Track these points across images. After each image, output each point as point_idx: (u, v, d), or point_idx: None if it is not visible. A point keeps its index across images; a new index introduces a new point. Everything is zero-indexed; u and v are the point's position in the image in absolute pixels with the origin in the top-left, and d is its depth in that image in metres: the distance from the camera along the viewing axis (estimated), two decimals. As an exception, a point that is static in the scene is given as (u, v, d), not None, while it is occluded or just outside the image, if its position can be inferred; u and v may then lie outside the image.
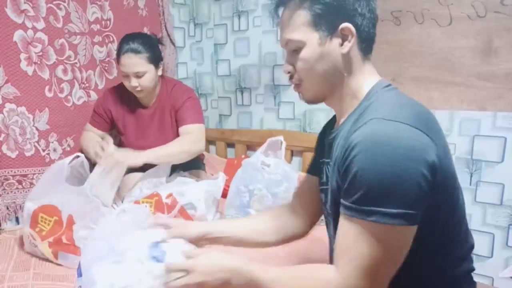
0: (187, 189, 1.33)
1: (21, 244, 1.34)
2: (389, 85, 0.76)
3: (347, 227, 0.66)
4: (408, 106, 0.69)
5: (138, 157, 1.43)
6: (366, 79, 0.76)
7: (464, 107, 1.59)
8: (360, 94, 0.75)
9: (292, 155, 2.09)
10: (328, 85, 0.76)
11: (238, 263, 0.74)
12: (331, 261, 0.83)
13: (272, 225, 0.96)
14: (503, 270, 1.39)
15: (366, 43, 0.75)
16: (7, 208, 1.55)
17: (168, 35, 2.19)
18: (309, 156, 2.02)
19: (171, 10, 2.25)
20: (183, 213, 1.29)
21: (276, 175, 1.41)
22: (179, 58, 2.35)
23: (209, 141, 2.37)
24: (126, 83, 1.54)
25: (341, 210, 0.67)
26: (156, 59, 1.56)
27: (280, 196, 1.37)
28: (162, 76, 1.67)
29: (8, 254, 1.31)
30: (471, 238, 0.80)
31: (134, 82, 1.50)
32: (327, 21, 0.72)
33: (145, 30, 2.04)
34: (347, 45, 0.73)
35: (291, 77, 0.79)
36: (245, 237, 0.95)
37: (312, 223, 0.99)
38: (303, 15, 0.73)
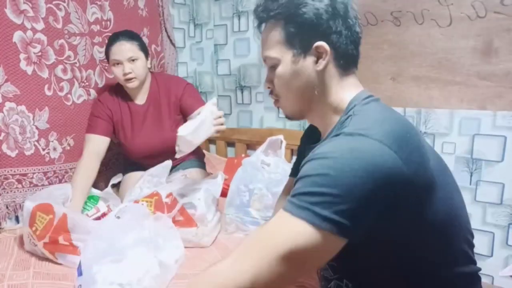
0: (187, 189, 1.32)
1: (21, 243, 1.33)
2: (369, 96, 0.75)
3: (275, 217, 0.64)
4: (382, 121, 0.67)
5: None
6: (345, 93, 0.76)
7: (464, 106, 1.58)
8: (340, 109, 0.75)
9: (292, 154, 2.08)
10: (305, 102, 0.77)
11: None
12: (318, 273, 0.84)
13: None
14: (503, 269, 1.38)
15: (345, 60, 0.75)
16: (7, 207, 1.54)
17: (168, 36, 2.18)
18: (308, 155, 2.01)
19: (171, 11, 2.24)
20: (183, 213, 1.29)
21: (276, 174, 1.41)
22: (179, 58, 2.34)
23: (209, 140, 2.36)
24: (118, 72, 1.54)
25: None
26: (145, 48, 1.61)
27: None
28: (150, 72, 1.70)
29: (8, 253, 1.30)
30: (469, 263, 0.77)
31: (127, 68, 1.52)
32: (300, 40, 0.74)
33: (145, 31, 2.03)
34: (322, 63, 0.73)
35: (271, 92, 0.82)
36: None
37: None
38: (278, 34, 0.75)
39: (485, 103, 1.54)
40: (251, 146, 2.23)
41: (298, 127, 2.08)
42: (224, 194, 1.49)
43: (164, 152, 1.59)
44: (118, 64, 1.53)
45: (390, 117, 0.69)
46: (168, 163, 1.39)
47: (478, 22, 1.52)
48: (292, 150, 2.06)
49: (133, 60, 1.53)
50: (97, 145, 1.59)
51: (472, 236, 0.79)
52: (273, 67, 0.78)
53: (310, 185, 0.60)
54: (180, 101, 1.65)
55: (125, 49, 1.51)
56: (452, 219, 0.72)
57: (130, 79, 1.55)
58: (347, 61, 0.76)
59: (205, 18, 2.38)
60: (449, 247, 0.72)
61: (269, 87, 0.81)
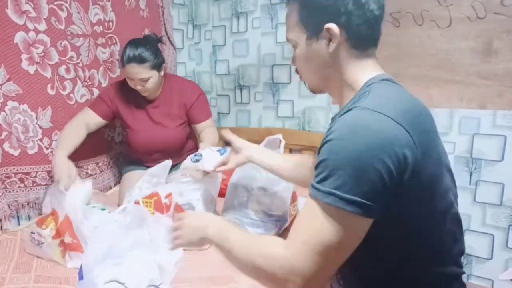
0: (186, 189, 1.27)
1: (22, 245, 1.29)
2: (389, 79, 0.73)
3: (305, 205, 0.65)
4: (398, 100, 0.67)
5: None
6: (362, 74, 0.73)
7: (463, 105, 1.53)
8: (357, 86, 0.73)
9: (290, 153, 2.02)
10: (322, 79, 0.78)
11: (217, 218, 0.87)
12: None
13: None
14: (503, 272, 1.32)
15: (358, 41, 0.72)
16: (9, 207, 1.49)
17: (168, 37, 2.13)
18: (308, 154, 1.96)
19: (171, 11, 2.19)
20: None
21: (275, 174, 1.35)
22: (178, 58, 2.28)
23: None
24: (131, 85, 1.59)
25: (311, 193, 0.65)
26: (158, 64, 1.60)
27: (278, 196, 1.31)
28: (164, 74, 1.70)
29: (9, 256, 1.25)
30: (460, 244, 0.75)
31: (139, 86, 1.57)
32: (311, 23, 0.73)
33: (146, 32, 1.97)
34: (332, 46, 0.72)
35: (296, 70, 0.83)
36: (279, 171, 1.11)
37: None
38: (294, 16, 0.75)
39: (485, 102, 1.48)
40: (250, 145, 2.17)
41: (297, 126, 2.03)
42: (222, 194, 1.45)
43: (166, 149, 1.66)
44: (131, 79, 1.57)
45: (406, 98, 0.69)
46: (168, 162, 1.34)
47: (478, 23, 1.47)
48: (290, 150, 2.01)
49: (145, 81, 1.55)
50: (90, 119, 1.62)
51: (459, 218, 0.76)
52: (294, 47, 0.78)
53: (329, 169, 0.60)
54: (190, 108, 1.69)
55: (136, 72, 1.53)
56: (445, 213, 0.71)
57: (143, 92, 1.60)
58: (361, 42, 0.72)
59: (204, 19, 2.32)
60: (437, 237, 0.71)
61: (294, 65, 0.82)
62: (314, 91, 0.82)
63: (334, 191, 0.59)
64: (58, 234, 1.21)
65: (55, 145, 1.60)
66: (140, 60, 1.51)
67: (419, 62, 1.60)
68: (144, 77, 1.53)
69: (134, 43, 1.56)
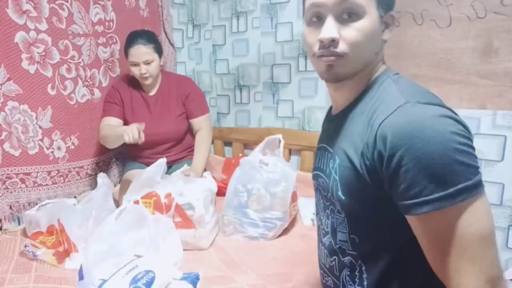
0: (186, 189, 1.26)
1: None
2: (398, 73, 0.71)
3: (437, 224, 0.56)
4: (428, 91, 0.65)
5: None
6: (380, 66, 0.71)
7: (463, 105, 1.50)
8: (371, 79, 0.70)
9: (290, 153, 2.01)
10: (365, 65, 0.68)
11: None
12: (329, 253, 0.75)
13: None
14: (503, 272, 1.31)
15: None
16: (10, 208, 1.48)
17: (167, 37, 2.12)
18: (307, 154, 1.95)
19: (170, 11, 2.17)
20: (181, 214, 1.22)
21: (275, 174, 1.33)
22: (178, 58, 2.27)
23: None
24: (135, 71, 1.64)
25: (414, 210, 0.56)
26: (159, 50, 1.70)
27: (278, 196, 1.30)
28: (161, 69, 1.77)
29: (9, 256, 1.24)
30: None
31: (143, 69, 1.62)
32: (386, 4, 0.67)
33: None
34: (388, 34, 0.68)
35: (330, 46, 0.64)
36: None
37: None
38: None
39: (485, 102, 1.47)
40: (249, 145, 2.16)
41: (297, 126, 2.01)
42: (222, 193, 1.44)
43: (167, 140, 1.73)
44: (136, 65, 1.62)
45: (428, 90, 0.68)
46: (162, 161, 1.33)
47: (478, 23, 1.45)
48: (290, 150, 1.99)
49: (149, 63, 1.62)
50: (112, 124, 1.68)
51: None
52: (349, 19, 0.63)
53: (431, 176, 0.54)
54: (186, 99, 1.74)
55: (142, 52, 1.60)
56: None
57: (146, 77, 1.65)
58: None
59: (204, 19, 2.31)
60: None
61: (333, 40, 0.63)
62: (347, 76, 0.67)
63: (459, 186, 0.53)
64: (54, 246, 1.22)
65: (56, 145, 1.60)
66: (147, 40, 1.61)
67: (419, 61, 1.58)
68: (149, 59, 1.61)
69: (138, 31, 1.67)
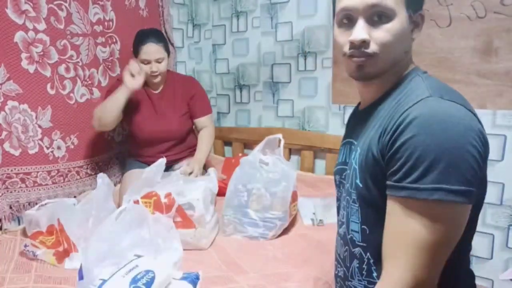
0: (186, 189, 1.26)
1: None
2: (426, 72, 0.73)
3: (400, 210, 0.60)
4: (456, 91, 0.66)
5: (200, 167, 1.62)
6: (410, 64, 0.73)
7: (463, 105, 1.51)
8: (399, 76, 0.72)
9: (290, 153, 2.01)
10: (394, 64, 0.70)
11: None
12: (345, 242, 0.77)
13: None
14: (503, 272, 1.31)
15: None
16: (10, 208, 1.47)
17: (167, 37, 2.11)
18: (307, 154, 1.95)
19: (170, 11, 2.16)
20: (182, 214, 1.22)
21: (275, 173, 1.33)
22: (178, 57, 2.26)
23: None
24: (146, 69, 1.65)
25: (392, 192, 0.61)
26: (168, 49, 1.72)
27: (278, 195, 1.30)
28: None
29: (9, 256, 1.23)
30: None
31: (154, 67, 1.64)
32: (415, 4, 0.69)
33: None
34: (417, 33, 0.70)
35: (361, 47, 0.67)
36: None
37: None
38: None
39: (485, 102, 1.47)
40: (249, 145, 2.16)
41: (297, 126, 2.01)
42: (222, 193, 1.43)
43: (170, 138, 1.73)
44: (147, 63, 1.64)
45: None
46: (162, 161, 1.33)
47: (478, 23, 1.45)
48: (290, 150, 1.99)
49: (160, 61, 1.65)
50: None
51: None
52: (379, 21, 0.66)
53: (426, 165, 0.56)
54: (191, 99, 1.76)
55: (154, 50, 1.62)
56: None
57: (156, 75, 1.67)
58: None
59: (204, 19, 2.30)
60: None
61: (364, 41, 0.66)
62: (377, 75, 0.69)
63: (440, 185, 0.55)
64: (54, 246, 1.22)
65: (56, 145, 1.59)
66: (158, 39, 1.64)
67: (419, 61, 1.55)
68: (160, 57, 1.63)
69: (148, 30, 1.68)
